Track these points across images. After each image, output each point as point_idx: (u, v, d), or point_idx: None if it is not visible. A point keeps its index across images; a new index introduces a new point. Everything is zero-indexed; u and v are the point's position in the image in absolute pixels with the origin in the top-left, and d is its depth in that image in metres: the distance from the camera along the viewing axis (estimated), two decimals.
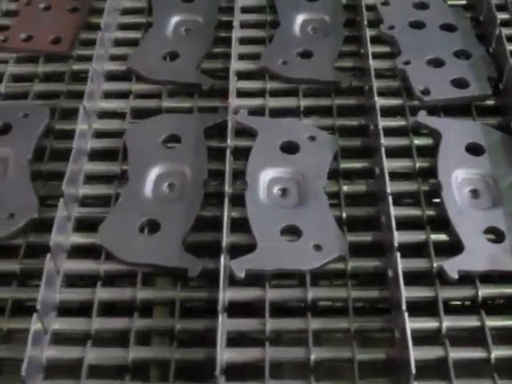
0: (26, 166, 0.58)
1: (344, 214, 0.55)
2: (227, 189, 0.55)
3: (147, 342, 0.52)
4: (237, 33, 0.69)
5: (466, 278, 0.52)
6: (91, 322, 0.50)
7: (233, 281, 0.51)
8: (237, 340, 0.51)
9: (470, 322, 0.51)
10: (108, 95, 0.65)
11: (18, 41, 0.68)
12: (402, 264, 0.49)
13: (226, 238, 0.52)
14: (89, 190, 0.57)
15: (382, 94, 0.63)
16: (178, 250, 0.53)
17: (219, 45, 0.70)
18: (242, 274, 0.50)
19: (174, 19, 0.73)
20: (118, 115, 0.64)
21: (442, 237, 0.55)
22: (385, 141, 0.57)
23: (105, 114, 0.64)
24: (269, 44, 0.69)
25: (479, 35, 0.70)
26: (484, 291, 0.51)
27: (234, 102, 0.61)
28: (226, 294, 0.49)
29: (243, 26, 0.71)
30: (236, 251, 0.53)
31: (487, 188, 0.57)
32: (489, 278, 0.54)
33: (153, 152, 0.60)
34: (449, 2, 0.73)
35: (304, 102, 0.63)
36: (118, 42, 0.71)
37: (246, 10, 0.73)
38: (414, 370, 0.43)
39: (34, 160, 0.59)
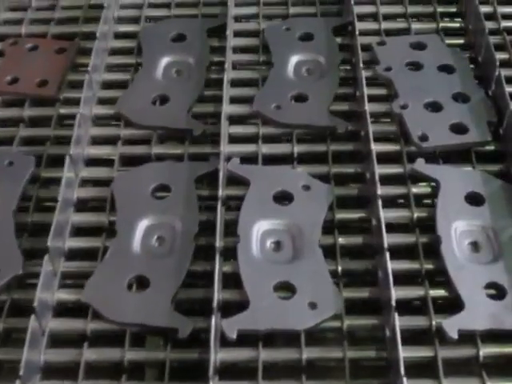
0: (11, 218, 0.57)
1: (340, 268, 0.54)
2: (218, 243, 0.55)
3: None
4: (229, 74, 0.69)
5: (467, 336, 0.52)
6: None
7: (224, 341, 0.51)
8: None
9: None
10: (95, 141, 0.64)
11: (3, 83, 0.69)
12: (400, 322, 0.48)
13: (218, 295, 0.51)
14: (75, 242, 0.57)
15: (379, 139, 0.62)
16: (167, 309, 0.53)
17: (211, 87, 0.70)
18: (233, 335, 0.50)
19: (165, 60, 0.73)
20: (105, 162, 0.63)
21: (441, 292, 0.54)
22: (382, 189, 0.58)
23: (92, 161, 0.63)
24: (262, 86, 0.68)
25: (478, 77, 0.70)
26: (485, 351, 0.50)
27: (225, 148, 0.61)
28: (217, 356, 0.48)
29: (235, 66, 0.70)
30: (228, 308, 0.52)
31: (488, 240, 0.57)
32: (490, 336, 0.52)
33: (141, 203, 0.60)
34: (447, 42, 0.73)
35: (298, 149, 0.64)
36: (107, 84, 0.71)
37: (238, 50, 0.72)
38: None
39: (19, 210, 0.58)
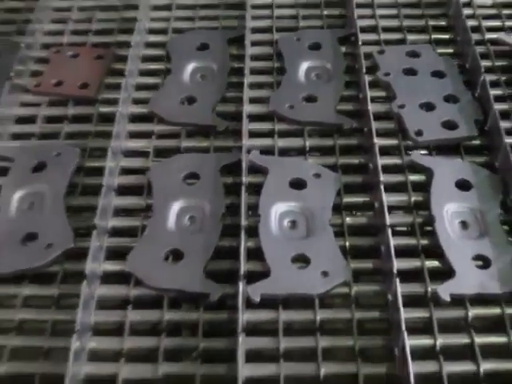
0: (61, 200, 0.59)
1: (347, 243, 0.57)
2: (243, 222, 0.57)
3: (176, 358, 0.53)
4: (248, 79, 0.69)
5: (457, 300, 0.54)
6: (123, 340, 0.52)
7: (249, 304, 0.53)
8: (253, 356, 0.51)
9: (461, 339, 0.52)
10: (132, 136, 0.66)
11: (50, 86, 0.71)
12: (400, 288, 0.50)
13: (243, 266, 0.53)
14: (117, 222, 0.59)
15: (380, 134, 0.64)
16: (200, 277, 0.55)
17: (232, 89, 0.71)
18: (257, 298, 0.53)
19: (191, 66, 0.73)
20: (141, 154, 0.65)
21: (435, 263, 0.56)
22: (383, 177, 0.59)
23: (130, 153, 0.65)
24: (276, 89, 0.70)
25: (466, 81, 0.71)
26: (473, 312, 0.52)
27: (246, 142, 0.63)
28: (244, 316, 0.50)
29: (253, 72, 0.71)
30: (252, 278, 0.54)
31: (475, 220, 0.59)
32: (477, 299, 0.54)
33: (174, 188, 0.62)
34: (438, 51, 0.74)
35: (309, 142, 0.66)
36: (140, 87, 0.71)
37: (255, 57, 0.73)
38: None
39: (67, 195, 0.60)
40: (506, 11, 0.80)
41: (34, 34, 0.75)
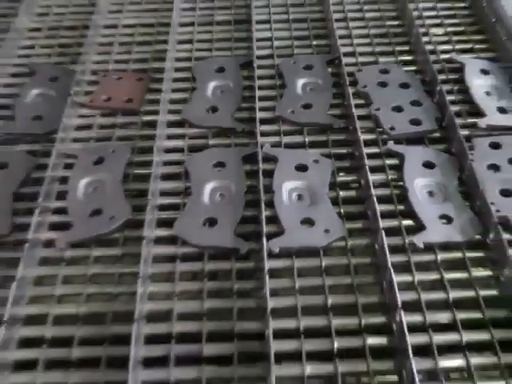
0: (120, 184, 0.63)
1: (342, 210, 0.60)
2: (262, 197, 0.60)
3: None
4: (257, 93, 0.72)
5: (428, 248, 0.57)
6: (174, 285, 0.54)
7: (270, 255, 0.55)
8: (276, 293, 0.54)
9: (433, 275, 0.55)
10: (170, 137, 0.69)
11: (101, 101, 0.73)
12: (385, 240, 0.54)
13: (264, 228, 0.57)
14: (164, 200, 0.62)
15: (362, 131, 0.67)
16: (231, 236, 0.58)
17: (246, 101, 0.74)
18: (276, 250, 0.56)
19: (212, 84, 0.76)
20: (178, 150, 0.68)
21: (410, 222, 0.59)
22: (367, 162, 0.63)
23: (169, 150, 0.68)
24: (280, 99, 0.73)
25: (427, 91, 0.74)
26: (441, 255, 0.56)
27: (259, 139, 0.66)
28: (267, 264, 0.54)
29: (261, 88, 0.74)
30: (270, 236, 0.57)
31: (439, 190, 0.63)
32: (443, 247, 0.57)
33: (207, 173, 0.64)
34: (404, 69, 0.77)
35: (308, 138, 0.69)
36: (173, 101, 0.74)
37: (261, 77, 0.76)
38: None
39: (123, 182, 0.63)
40: (455, 37, 0.82)
41: (84, 63, 0.77)
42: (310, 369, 0.49)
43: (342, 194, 0.64)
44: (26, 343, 0.52)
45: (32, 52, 0.82)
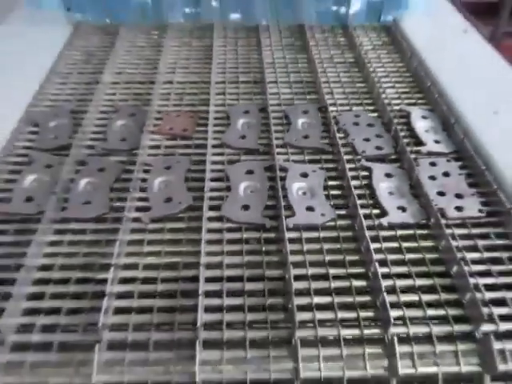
0: (183, 183, 0.67)
1: (332, 203, 0.64)
2: (280, 193, 0.63)
3: None
4: (272, 127, 0.75)
5: (390, 227, 0.60)
6: (223, 246, 0.57)
7: (288, 229, 0.59)
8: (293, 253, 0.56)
9: (395, 244, 0.58)
10: (214, 154, 0.72)
11: (166, 130, 0.77)
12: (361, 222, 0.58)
13: (283, 212, 0.60)
14: (213, 193, 0.65)
15: (344, 153, 0.71)
16: (260, 215, 0.62)
17: (263, 133, 0.77)
18: (291, 226, 0.59)
19: (241, 120, 0.78)
20: (220, 163, 0.71)
21: (378, 211, 0.63)
22: (348, 173, 0.67)
23: (214, 162, 0.71)
24: (287, 132, 0.77)
25: (386, 129, 0.77)
26: (399, 232, 0.60)
27: (276, 157, 0.70)
28: (286, 235, 0.58)
29: (274, 124, 0.77)
30: (286, 217, 0.60)
31: (397, 190, 0.66)
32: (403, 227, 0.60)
33: (241, 177, 0.67)
34: (370, 114, 0.81)
35: (307, 157, 0.72)
36: (215, 131, 0.77)
37: (274, 117, 0.79)
38: None
39: (184, 182, 0.67)
40: (403, 95, 0.85)
41: (152, 106, 0.81)
42: (316, 299, 0.52)
43: (331, 192, 0.66)
44: (125, 281, 0.55)
45: (114, 97, 0.86)
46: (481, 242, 0.57)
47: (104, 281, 0.51)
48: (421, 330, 0.49)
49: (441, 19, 1.01)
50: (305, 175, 0.67)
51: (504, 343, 0.47)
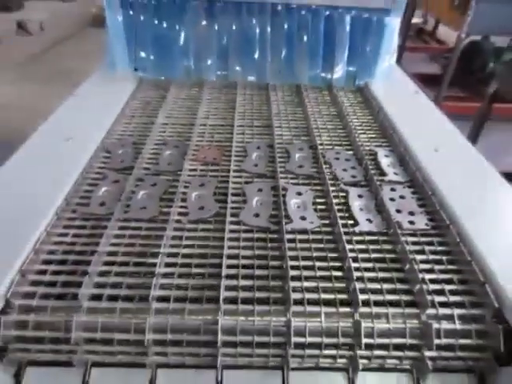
0: (211, 196, 0.67)
1: (318, 214, 0.64)
2: (281, 205, 0.63)
3: None
4: (277, 159, 0.74)
5: (361, 234, 0.59)
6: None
7: (286, 232, 0.58)
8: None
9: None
10: (234, 176, 0.72)
11: (201, 158, 0.76)
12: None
13: (283, 219, 0.60)
14: (233, 204, 0.65)
15: (328, 179, 0.71)
16: (267, 221, 0.60)
17: (270, 163, 0.77)
18: (289, 229, 0.59)
19: (254, 154, 0.76)
20: (239, 182, 0.70)
21: (352, 221, 0.62)
22: (331, 194, 0.67)
23: (234, 182, 0.70)
24: (288, 162, 0.76)
25: (358, 163, 0.76)
26: (367, 237, 0.59)
27: (279, 180, 0.70)
28: (285, 236, 0.58)
29: (279, 157, 0.77)
30: (286, 223, 0.60)
31: (366, 208, 0.65)
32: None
33: (253, 194, 0.67)
34: (347, 152, 0.80)
35: (301, 181, 0.72)
36: (235, 160, 0.77)
37: (277, 153, 0.78)
38: None
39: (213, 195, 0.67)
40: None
41: (191, 141, 0.81)
42: (306, 284, 0.51)
43: (318, 207, 0.65)
44: (168, 265, 0.55)
45: (164, 134, 0.87)
46: (427, 248, 0.56)
47: (154, 264, 0.51)
48: (381, 310, 0.48)
49: (398, 84, 1.01)
50: (299, 193, 0.67)
51: (440, 324, 0.46)
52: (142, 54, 1.01)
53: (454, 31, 2.35)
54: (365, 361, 0.45)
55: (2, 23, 4.09)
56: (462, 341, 0.45)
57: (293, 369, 0.44)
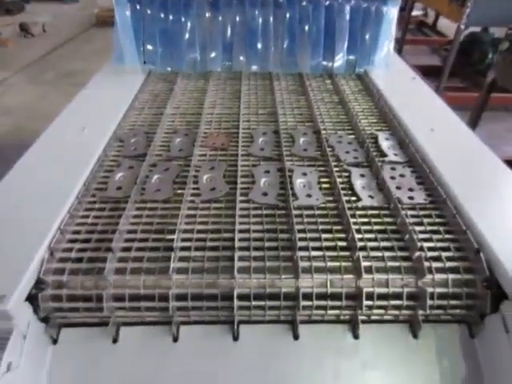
0: (222, 178, 0.69)
1: (323, 192, 0.66)
2: (288, 185, 0.65)
3: None
4: (283, 148, 0.76)
5: (364, 208, 0.62)
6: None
7: (293, 208, 0.60)
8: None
9: None
10: (242, 160, 0.73)
11: (210, 144, 0.79)
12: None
13: (290, 197, 0.62)
14: (242, 185, 0.66)
15: (332, 161, 0.73)
16: (275, 199, 0.63)
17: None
18: (296, 206, 0.61)
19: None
20: (247, 166, 0.72)
21: (354, 198, 0.64)
22: (334, 174, 0.69)
23: (242, 165, 0.72)
24: (293, 146, 0.77)
25: (360, 146, 0.78)
26: (370, 212, 0.61)
27: (285, 163, 0.71)
28: (293, 212, 0.59)
29: (284, 146, 0.77)
30: (293, 201, 0.61)
31: (367, 186, 0.67)
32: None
33: (261, 175, 0.68)
34: (349, 136, 0.81)
35: (306, 163, 0.72)
36: (243, 145, 0.78)
37: (283, 139, 0.80)
38: None
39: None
40: (373, 124, 0.88)
41: (199, 129, 0.83)
42: (313, 253, 0.53)
43: (323, 186, 0.68)
44: (185, 240, 0.56)
45: (174, 124, 0.89)
46: (425, 220, 0.58)
47: (171, 240, 0.53)
48: (382, 276, 0.50)
49: (396, 70, 1.03)
50: (305, 174, 0.68)
51: (435, 288, 0.49)
52: (150, 48, 1.03)
53: (453, 23, 2.35)
54: (365, 317, 0.49)
55: (5, 26, 4.13)
56: (453, 302, 0.48)
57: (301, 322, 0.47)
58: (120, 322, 0.48)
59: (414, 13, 3.90)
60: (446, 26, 3.68)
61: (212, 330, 0.49)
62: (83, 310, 0.47)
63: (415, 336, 0.47)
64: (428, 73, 2.57)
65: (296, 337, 0.47)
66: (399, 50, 3.37)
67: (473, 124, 1.91)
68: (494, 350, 0.45)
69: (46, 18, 4.35)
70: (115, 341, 0.47)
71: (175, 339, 0.47)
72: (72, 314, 0.48)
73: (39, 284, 0.46)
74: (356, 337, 0.47)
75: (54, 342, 0.48)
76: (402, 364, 0.46)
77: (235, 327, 0.48)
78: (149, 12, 0.97)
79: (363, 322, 0.48)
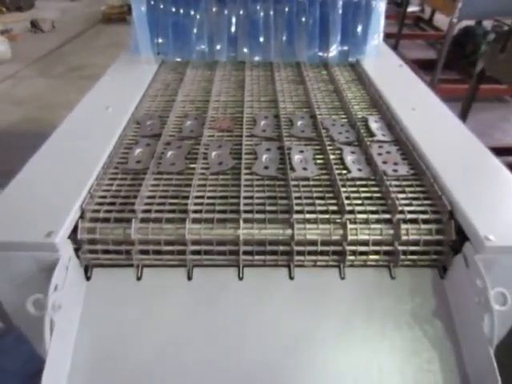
0: (228, 155, 0.72)
1: (318, 167, 0.70)
2: (287, 160, 0.69)
3: None
4: (282, 125, 0.83)
5: (353, 179, 0.65)
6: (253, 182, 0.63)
7: (291, 179, 0.64)
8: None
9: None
10: (247, 140, 0.78)
11: (218, 127, 0.82)
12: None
13: (288, 170, 0.66)
14: (246, 160, 0.70)
15: (326, 140, 0.75)
16: (275, 172, 0.67)
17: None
18: (293, 177, 0.65)
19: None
20: (250, 144, 0.77)
21: (345, 171, 0.67)
22: (328, 151, 0.73)
23: (246, 144, 0.78)
24: (292, 128, 0.81)
25: (352, 128, 0.81)
26: (358, 182, 0.65)
27: (284, 142, 0.74)
28: (291, 183, 0.63)
29: (284, 128, 0.80)
30: (291, 173, 0.65)
31: (357, 161, 0.71)
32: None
33: (263, 151, 0.71)
34: (342, 120, 0.86)
35: (303, 142, 0.77)
36: (247, 128, 0.81)
37: (283, 123, 0.84)
38: None
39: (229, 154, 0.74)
40: (364, 109, 0.94)
41: (208, 113, 0.88)
42: (307, 216, 0.58)
43: (317, 161, 0.70)
44: (197, 204, 0.61)
45: (184, 109, 0.94)
46: (407, 189, 0.62)
47: (185, 204, 0.58)
48: (365, 237, 0.55)
49: (385, 59, 1.07)
50: (301, 151, 0.71)
51: (409, 236, 0.55)
52: (163, 40, 1.08)
53: (447, 17, 2.38)
54: (350, 262, 0.56)
55: (17, 22, 4.16)
56: (425, 237, 0.54)
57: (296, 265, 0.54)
58: (142, 263, 0.55)
59: (412, 9, 3.90)
60: (442, 20, 3.69)
61: (221, 270, 0.56)
62: (113, 252, 0.54)
63: (392, 277, 0.54)
64: (425, 66, 2.61)
65: (292, 278, 0.54)
66: (395, 44, 3.38)
67: (464, 113, 1.94)
68: (459, 284, 0.52)
69: (55, 15, 4.37)
70: (139, 279, 0.53)
71: (189, 278, 0.53)
72: (103, 256, 0.55)
73: (81, 216, 0.54)
74: (342, 278, 0.54)
75: (88, 279, 0.55)
76: (380, 300, 0.53)
77: (240, 268, 0.55)
78: (162, 7, 1.03)
79: (350, 265, 0.55)
